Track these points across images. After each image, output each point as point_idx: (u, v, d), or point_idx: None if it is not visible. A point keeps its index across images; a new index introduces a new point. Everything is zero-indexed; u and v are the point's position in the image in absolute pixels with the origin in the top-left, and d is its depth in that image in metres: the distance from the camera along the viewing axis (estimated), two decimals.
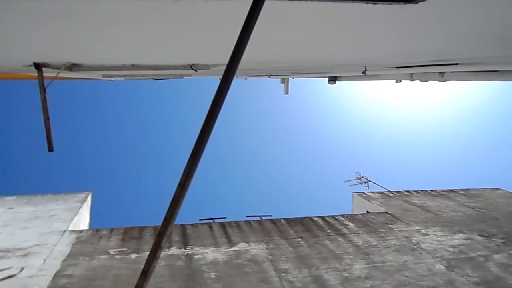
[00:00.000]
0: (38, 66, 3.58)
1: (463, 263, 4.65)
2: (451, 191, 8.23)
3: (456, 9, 1.85)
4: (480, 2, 1.76)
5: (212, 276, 4.17)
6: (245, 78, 10.89)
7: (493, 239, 5.46)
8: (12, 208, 6.11)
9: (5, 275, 3.99)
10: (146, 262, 1.44)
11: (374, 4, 1.63)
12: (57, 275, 4.08)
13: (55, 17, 1.83)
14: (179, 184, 1.30)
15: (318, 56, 4.07)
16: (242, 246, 4.97)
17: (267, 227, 5.65)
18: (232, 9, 1.61)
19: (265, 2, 1.18)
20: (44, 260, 4.40)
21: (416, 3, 1.62)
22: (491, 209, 6.98)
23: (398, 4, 1.67)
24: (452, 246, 5.17)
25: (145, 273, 1.44)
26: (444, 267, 4.53)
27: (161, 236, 1.38)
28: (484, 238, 5.51)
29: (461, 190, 8.32)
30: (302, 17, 1.94)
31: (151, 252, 1.43)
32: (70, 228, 5.41)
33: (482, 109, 35.97)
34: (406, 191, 8.08)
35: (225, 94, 1.24)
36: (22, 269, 4.15)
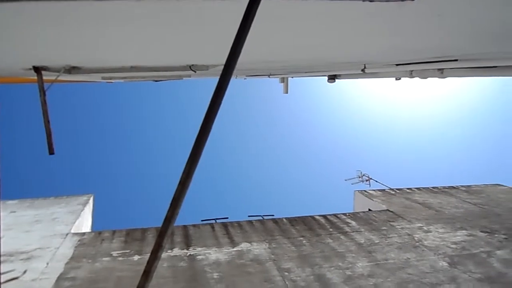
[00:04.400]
0: (37, 70, 3.58)
1: (465, 260, 4.65)
2: (453, 187, 8.23)
3: (454, 5, 1.85)
4: None
5: (215, 277, 4.18)
6: (245, 78, 10.89)
7: (496, 235, 5.45)
8: (14, 211, 6.13)
9: (9, 278, 4.00)
10: (147, 262, 1.44)
11: (371, 1, 1.63)
12: (60, 278, 4.09)
13: (54, 20, 1.83)
14: (180, 183, 1.31)
15: (317, 55, 4.08)
16: (244, 246, 4.98)
17: (269, 227, 5.66)
18: (230, 8, 1.61)
19: (262, 2, 1.18)
20: (47, 263, 4.41)
21: (413, 0, 1.63)
22: (493, 205, 6.98)
23: (395, 1, 1.67)
24: (454, 243, 5.17)
25: (147, 273, 1.45)
26: (446, 264, 4.53)
27: (162, 235, 1.39)
28: (486, 234, 5.50)
29: (463, 186, 8.32)
30: (299, 16, 1.95)
31: (152, 252, 1.44)
32: (72, 231, 5.43)
33: (482, 105, 35.93)
34: (408, 189, 8.08)
35: (223, 93, 1.24)
36: (25, 272, 4.16)
